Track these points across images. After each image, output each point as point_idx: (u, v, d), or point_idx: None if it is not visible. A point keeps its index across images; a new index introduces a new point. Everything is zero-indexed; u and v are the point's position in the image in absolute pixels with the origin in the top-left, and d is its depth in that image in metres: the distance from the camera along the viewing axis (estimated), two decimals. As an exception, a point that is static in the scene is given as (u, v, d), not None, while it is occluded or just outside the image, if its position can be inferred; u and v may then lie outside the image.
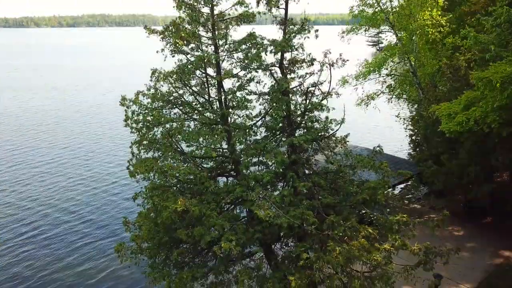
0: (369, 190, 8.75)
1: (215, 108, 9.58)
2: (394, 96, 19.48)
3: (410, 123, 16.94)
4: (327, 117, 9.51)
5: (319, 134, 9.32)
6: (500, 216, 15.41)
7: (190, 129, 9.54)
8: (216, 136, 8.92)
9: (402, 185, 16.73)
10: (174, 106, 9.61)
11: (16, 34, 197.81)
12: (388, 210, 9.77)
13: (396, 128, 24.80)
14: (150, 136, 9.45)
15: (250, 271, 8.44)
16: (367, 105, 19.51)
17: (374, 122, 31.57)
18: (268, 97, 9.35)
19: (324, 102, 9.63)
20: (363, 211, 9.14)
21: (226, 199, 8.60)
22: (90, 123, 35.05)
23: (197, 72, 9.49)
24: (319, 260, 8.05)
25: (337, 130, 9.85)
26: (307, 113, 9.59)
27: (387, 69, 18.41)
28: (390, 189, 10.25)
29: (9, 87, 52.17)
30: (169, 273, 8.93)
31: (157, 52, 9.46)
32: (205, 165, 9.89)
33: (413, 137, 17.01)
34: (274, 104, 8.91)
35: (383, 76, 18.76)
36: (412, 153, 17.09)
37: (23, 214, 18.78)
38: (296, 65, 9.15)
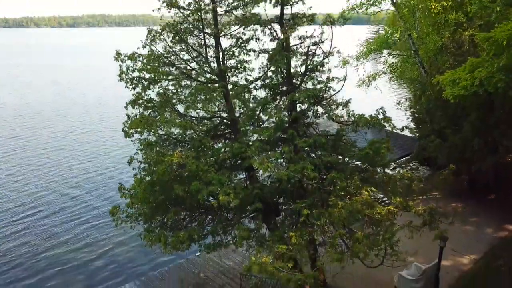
0: (373, 144, 8.46)
1: (213, 67, 9.29)
2: (395, 76, 19.20)
3: (413, 100, 16.69)
4: (328, 77, 9.22)
5: (320, 92, 9.02)
6: (503, 192, 15.16)
7: (187, 90, 9.25)
8: (213, 93, 8.64)
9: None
10: (170, 67, 9.31)
11: (16, 34, 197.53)
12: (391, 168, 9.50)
13: (398, 111, 24.58)
14: (146, 96, 9.17)
15: (249, 230, 8.15)
16: (368, 86, 19.24)
17: (376, 105, 31.37)
18: (268, 54, 9.05)
19: (326, 61, 9.35)
20: (366, 167, 8.83)
21: (224, 155, 8.31)
22: (89, 114, 35.01)
23: (195, 31, 9.22)
24: (321, 216, 7.77)
25: (338, 91, 9.56)
26: (307, 73, 9.30)
27: (389, 47, 18.09)
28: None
29: (12, 83, 51.96)
30: (165, 233, 8.62)
31: (152, 11, 9.20)
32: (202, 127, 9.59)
33: (415, 115, 16.74)
34: (274, 58, 8.61)
35: (384, 56, 18.51)
36: (415, 130, 16.79)
37: (27, 197, 18.72)
38: (296, 21, 8.84)
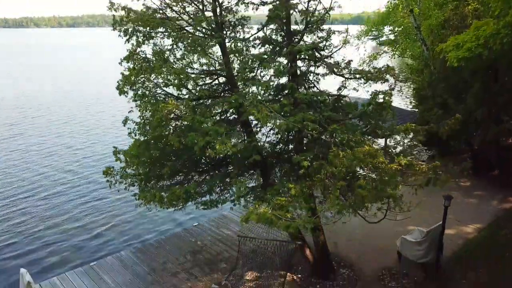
0: (375, 95, 8.18)
1: (210, 20, 8.99)
2: (397, 53, 18.94)
3: (415, 75, 16.43)
4: (329, 29, 8.93)
5: (321, 43, 8.74)
6: (507, 168, 14.87)
7: (183, 45, 8.95)
8: (211, 43, 8.36)
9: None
10: (166, 20, 9.00)
11: (16, 34, 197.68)
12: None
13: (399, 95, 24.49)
14: (141, 53, 8.88)
15: (247, 182, 7.86)
16: (369, 66, 19.00)
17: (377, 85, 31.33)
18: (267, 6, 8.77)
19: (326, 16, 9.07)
20: (368, 122, 8.54)
21: (222, 107, 8.02)
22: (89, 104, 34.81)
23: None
24: (322, 168, 7.46)
25: (340, 47, 9.28)
26: (308, 26, 9.01)
27: (391, 25, 17.87)
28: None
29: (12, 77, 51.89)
30: (161, 190, 8.33)
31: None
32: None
33: (417, 90, 16.48)
34: (274, 10, 8.33)
35: (386, 34, 18.27)
36: (418, 106, 16.53)
37: (27, 176, 18.73)
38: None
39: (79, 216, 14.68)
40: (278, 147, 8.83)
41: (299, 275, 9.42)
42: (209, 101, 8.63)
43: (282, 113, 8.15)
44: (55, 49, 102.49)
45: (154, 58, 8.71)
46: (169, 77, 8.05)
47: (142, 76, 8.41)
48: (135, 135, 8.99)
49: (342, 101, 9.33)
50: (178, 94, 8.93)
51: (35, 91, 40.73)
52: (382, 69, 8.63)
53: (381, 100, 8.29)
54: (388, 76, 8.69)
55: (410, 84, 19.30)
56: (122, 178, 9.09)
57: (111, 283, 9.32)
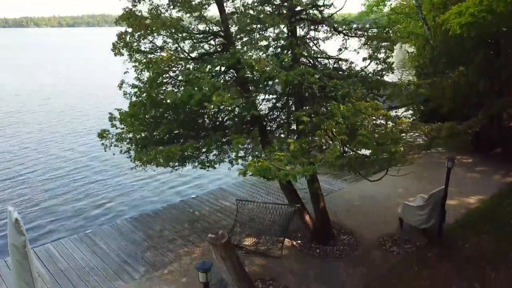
0: (377, 49, 7.99)
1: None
2: (397, 36, 18.69)
3: (416, 53, 16.27)
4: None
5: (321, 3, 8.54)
6: (509, 146, 14.70)
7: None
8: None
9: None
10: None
11: (16, 33, 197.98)
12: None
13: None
14: (137, 12, 8.68)
15: (244, 139, 7.66)
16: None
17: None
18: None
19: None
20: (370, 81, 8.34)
21: (219, 62, 7.83)
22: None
23: None
24: (322, 123, 7.25)
25: (341, 8, 9.09)
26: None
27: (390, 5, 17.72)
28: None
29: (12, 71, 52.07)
30: (157, 149, 8.12)
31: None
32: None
33: (419, 69, 16.30)
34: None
35: (385, 14, 18.10)
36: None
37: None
38: None
39: (77, 189, 14.72)
40: (277, 103, 8.63)
41: (299, 241, 9.22)
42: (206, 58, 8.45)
43: (282, 68, 7.97)
44: (55, 45, 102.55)
45: (150, 16, 8.53)
46: (163, 32, 7.86)
47: (138, 33, 8.22)
48: (131, 98, 8.82)
49: (342, 63, 9.15)
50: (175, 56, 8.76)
51: (34, 84, 40.61)
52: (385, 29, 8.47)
53: (382, 55, 8.11)
54: (391, 33, 8.53)
55: (410, 66, 19.21)
56: (118, 141, 8.93)
57: (106, 248, 9.13)
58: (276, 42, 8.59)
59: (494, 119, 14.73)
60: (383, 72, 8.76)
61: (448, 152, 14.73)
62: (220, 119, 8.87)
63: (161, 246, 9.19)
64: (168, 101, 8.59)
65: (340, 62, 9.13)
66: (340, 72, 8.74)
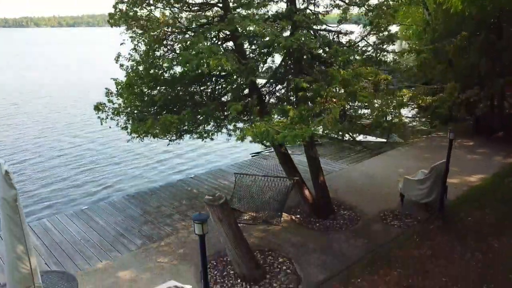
0: (377, 15, 7.85)
1: None
2: (397, 21, 18.55)
3: (416, 38, 16.15)
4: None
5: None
6: (510, 130, 14.57)
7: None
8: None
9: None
10: None
11: (16, 33, 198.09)
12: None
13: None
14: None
15: (242, 106, 7.51)
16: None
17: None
18: None
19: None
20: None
21: (215, 30, 7.68)
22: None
23: None
24: (321, 90, 7.11)
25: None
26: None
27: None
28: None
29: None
30: (153, 119, 7.97)
31: None
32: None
33: (419, 53, 16.08)
34: None
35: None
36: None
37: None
38: None
39: (76, 168, 14.80)
40: (277, 72, 8.48)
41: (298, 216, 9.08)
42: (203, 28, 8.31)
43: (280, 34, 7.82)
44: (55, 43, 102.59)
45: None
46: (160, 4, 7.73)
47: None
48: (128, 71, 8.68)
49: (342, 37, 9.01)
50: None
51: (35, 78, 40.67)
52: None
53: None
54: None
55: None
56: (114, 114, 8.78)
57: (102, 223, 8.99)
58: (275, 12, 8.46)
59: (495, 107, 14.68)
60: (384, 45, 8.64)
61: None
62: (218, 89, 8.71)
63: (158, 221, 9.05)
64: (166, 75, 8.48)
65: (340, 35, 8.99)
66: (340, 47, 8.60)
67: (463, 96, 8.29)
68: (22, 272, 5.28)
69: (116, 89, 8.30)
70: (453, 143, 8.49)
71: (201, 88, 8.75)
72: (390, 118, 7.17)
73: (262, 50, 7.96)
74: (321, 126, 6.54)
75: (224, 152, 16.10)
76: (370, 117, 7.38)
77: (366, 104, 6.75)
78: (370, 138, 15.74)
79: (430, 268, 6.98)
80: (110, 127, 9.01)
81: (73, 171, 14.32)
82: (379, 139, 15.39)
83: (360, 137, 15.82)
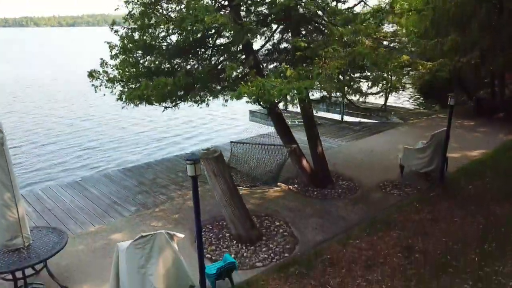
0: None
1: None
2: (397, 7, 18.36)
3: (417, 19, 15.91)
4: None
5: None
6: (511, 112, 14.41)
7: None
8: None
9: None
10: None
11: (15, 32, 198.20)
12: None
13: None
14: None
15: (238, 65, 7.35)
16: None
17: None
18: None
19: None
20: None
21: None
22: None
23: None
24: (320, 49, 6.92)
25: None
26: None
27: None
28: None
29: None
30: (147, 81, 7.80)
31: None
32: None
33: (419, 33, 15.93)
34: None
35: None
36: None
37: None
38: None
39: (73, 143, 14.92)
40: (274, 35, 8.31)
41: (295, 185, 8.91)
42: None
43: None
44: (56, 41, 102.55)
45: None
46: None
47: None
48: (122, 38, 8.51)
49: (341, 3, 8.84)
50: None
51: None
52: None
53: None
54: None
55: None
56: (109, 82, 8.61)
57: (96, 192, 8.82)
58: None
59: (496, 93, 14.58)
60: (384, 16, 8.44)
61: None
62: (214, 60, 8.52)
63: (153, 191, 8.88)
64: (162, 44, 8.29)
65: (338, 3, 8.82)
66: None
67: (464, 59, 8.13)
68: (9, 220, 5.13)
69: (110, 53, 8.11)
70: (453, 109, 8.32)
71: (198, 58, 8.57)
72: (390, 74, 6.97)
73: (258, 9, 7.76)
74: (317, 82, 6.36)
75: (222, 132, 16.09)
76: (370, 76, 7.20)
77: (365, 61, 6.54)
78: (370, 121, 15.62)
79: (430, 230, 6.82)
80: (104, 95, 8.85)
81: (71, 150, 14.22)
82: (378, 121, 15.26)
83: (359, 119, 15.80)
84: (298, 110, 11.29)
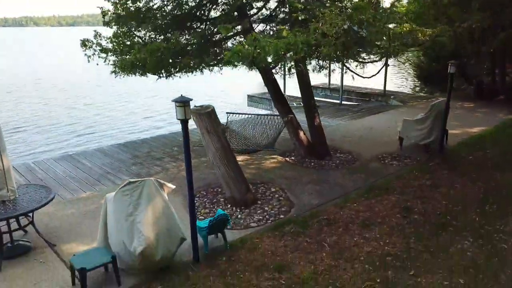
0: None
1: None
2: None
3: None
4: None
5: None
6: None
7: None
8: None
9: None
10: None
11: (15, 32, 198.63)
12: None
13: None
14: None
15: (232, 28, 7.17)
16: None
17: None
18: None
19: None
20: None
21: None
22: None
23: None
24: (318, 10, 6.74)
25: None
26: None
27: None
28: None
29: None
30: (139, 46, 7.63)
31: None
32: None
33: (419, 16, 15.75)
34: None
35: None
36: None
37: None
38: None
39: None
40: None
41: (292, 157, 8.74)
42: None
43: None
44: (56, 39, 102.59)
45: None
46: None
47: None
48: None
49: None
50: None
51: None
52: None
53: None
54: None
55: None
56: (102, 52, 8.44)
57: (89, 164, 8.65)
58: None
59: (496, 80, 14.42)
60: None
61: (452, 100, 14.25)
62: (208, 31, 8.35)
63: (147, 163, 8.72)
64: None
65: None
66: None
67: (465, 24, 7.95)
68: (-7, 171, 4.93)
69: (103, 19, 7.94)
70: (453, 77, 8.15)
71: (191, 32, 8.40)
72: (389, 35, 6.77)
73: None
74: (314, 39, 6.18)
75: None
76: (369, 38, 7.00)
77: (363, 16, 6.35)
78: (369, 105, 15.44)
79: (430, 194, 6.65)
80: (97, 64, 8.68)
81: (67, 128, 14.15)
82: (377, 104, 15.09)
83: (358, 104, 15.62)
84: (296, 94, 11.09)
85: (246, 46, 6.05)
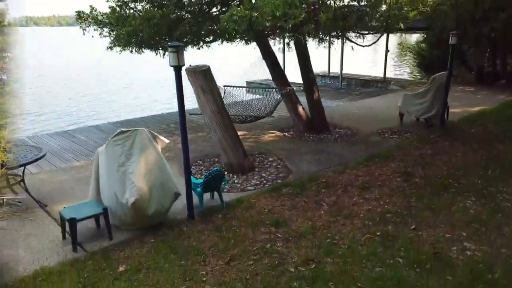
0: None
1: None
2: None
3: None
4: None
5: None
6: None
7: None
8: None
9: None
10: None
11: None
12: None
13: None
14: None
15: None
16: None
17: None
18: None
19: None
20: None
21: None
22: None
23: None
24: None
25: None
26: None
27: None
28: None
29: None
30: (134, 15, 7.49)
31: None
32: None
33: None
34: None
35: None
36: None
37: None
38: None
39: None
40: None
41: (291, 132, 8.61)
42: None
43: None
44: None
45: None
46: None
47: None
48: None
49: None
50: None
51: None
52: None
53: None
54: None
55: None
56: (97, 25, 8.30)
57: (84, 139, 8.51)
58: None
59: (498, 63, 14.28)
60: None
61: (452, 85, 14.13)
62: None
63: (143, 138, 8.56)
64: None
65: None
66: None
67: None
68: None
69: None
70: (454, 48, 8.00)
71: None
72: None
73: None
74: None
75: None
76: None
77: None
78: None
79: (431, 161, 6.51)
80: (93, 36, 8.55)
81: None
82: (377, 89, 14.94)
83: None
84: (295, 80, 10.92)
85: (243, 10, 5.91)
